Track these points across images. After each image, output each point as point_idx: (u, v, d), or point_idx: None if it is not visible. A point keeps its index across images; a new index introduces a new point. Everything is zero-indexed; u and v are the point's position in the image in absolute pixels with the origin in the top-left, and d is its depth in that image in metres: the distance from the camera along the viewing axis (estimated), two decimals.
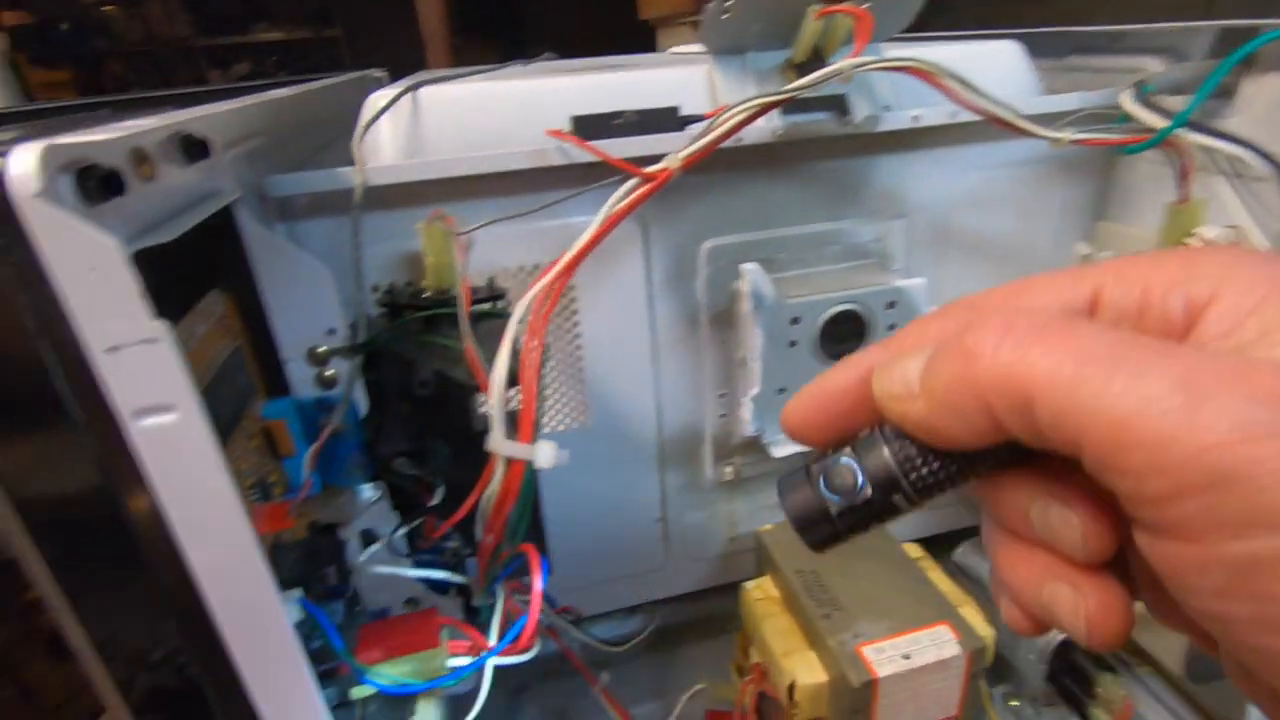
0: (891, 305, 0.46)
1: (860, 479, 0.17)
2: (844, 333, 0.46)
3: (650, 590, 0.57)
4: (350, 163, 0.38)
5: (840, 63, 0.37)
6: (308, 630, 0.31)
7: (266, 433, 0.36)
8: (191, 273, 0.32)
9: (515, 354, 0.33)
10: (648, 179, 0.37)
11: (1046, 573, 0.16)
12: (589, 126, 0.41)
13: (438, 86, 0.43)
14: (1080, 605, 0.15)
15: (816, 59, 0.43)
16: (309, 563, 0.32)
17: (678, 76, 0.46)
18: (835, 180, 0.47)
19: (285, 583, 0.32)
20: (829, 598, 0.45)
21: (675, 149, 0.38)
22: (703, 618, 0.59)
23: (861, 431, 0.18)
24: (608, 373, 0.48)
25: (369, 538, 0.41)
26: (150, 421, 0.21)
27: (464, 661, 0.33)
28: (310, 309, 0.36)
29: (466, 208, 0.40)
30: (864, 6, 0.38)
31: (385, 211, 0.40)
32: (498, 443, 0.31)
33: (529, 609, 0.32)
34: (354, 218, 0.37)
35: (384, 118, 0.42)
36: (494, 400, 0.32)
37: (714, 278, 0.47)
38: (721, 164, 0.44)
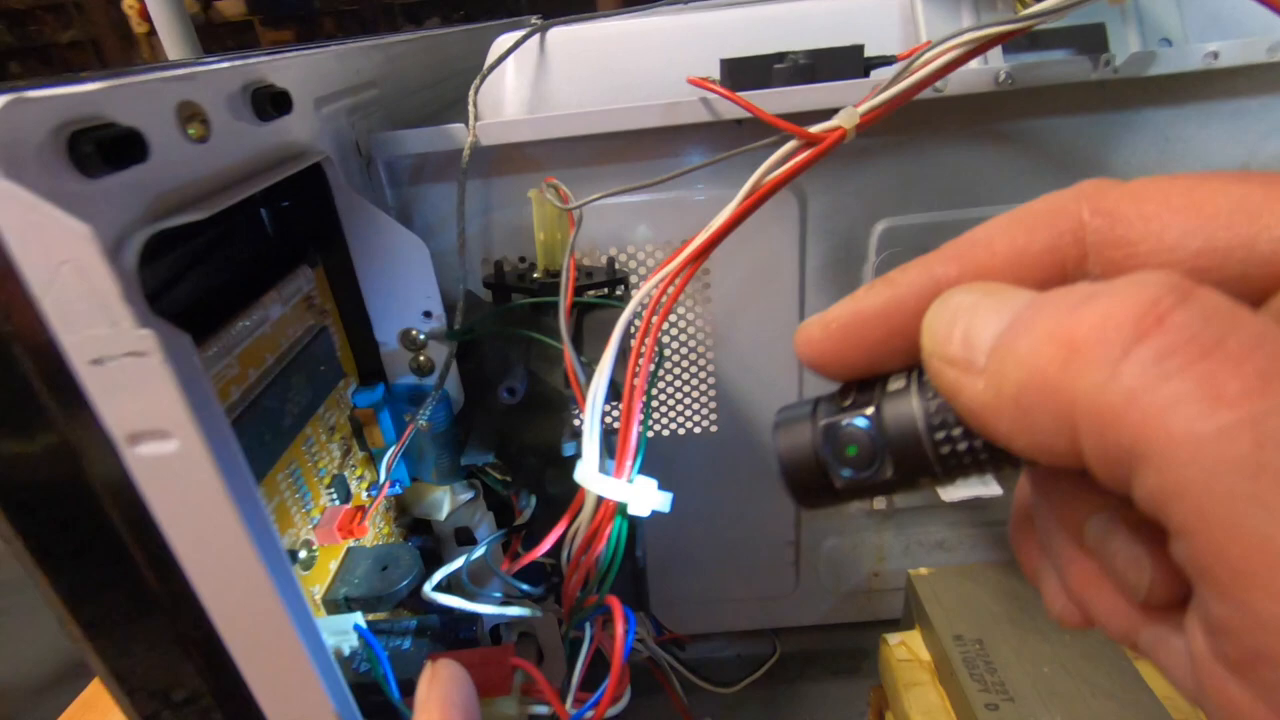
0: None
1: (879, 454, 0.14)
2: None
3: (775, 616, 0.50)
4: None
5: None
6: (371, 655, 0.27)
7: (355, 422, 0.33)
8: (279, 244, 0.29)
9: (624, 359, 0.27)
10: (813, 141, 0.28)
11: (1100, 586, 0.13)
12: (743, 72, 0.32)
13: (566, 27, 0.36)
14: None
15: None
16: (380, 577, 0.29)
17: (866, 4, 0.36)
18: (1072, 144, 0.35)
19: (351, 601, 0.29)
20: (997, 680, 0.36)
21: (853, 101, 0.29)
22: (830, 651, 0.51)
23: (892, 377, 0.14)
24: (742, 373, 0.41)
25: (464, 536, 0.37)
26: (146, 449, 0.17)
27: (538, 711, 0.28)
28: (405, 288, 0.32)
29: (590, 173, 0.34)
30: None
31: (500, 176, 0.35)
32: (587, 475, 0.25)
33: (610, 670, 0.26)
34: (460, 183, 0.32)
35: (507, 66, 0.36)
36: (588, 421, 0.26)
37: (887, 266, 0.37)
38: (913, 121, 0.34)
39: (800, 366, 0.41)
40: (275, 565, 0.19)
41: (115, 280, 0.15)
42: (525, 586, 0.31)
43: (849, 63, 0.32)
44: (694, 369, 0.41)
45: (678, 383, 0.41)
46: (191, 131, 0.21)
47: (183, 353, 0.17)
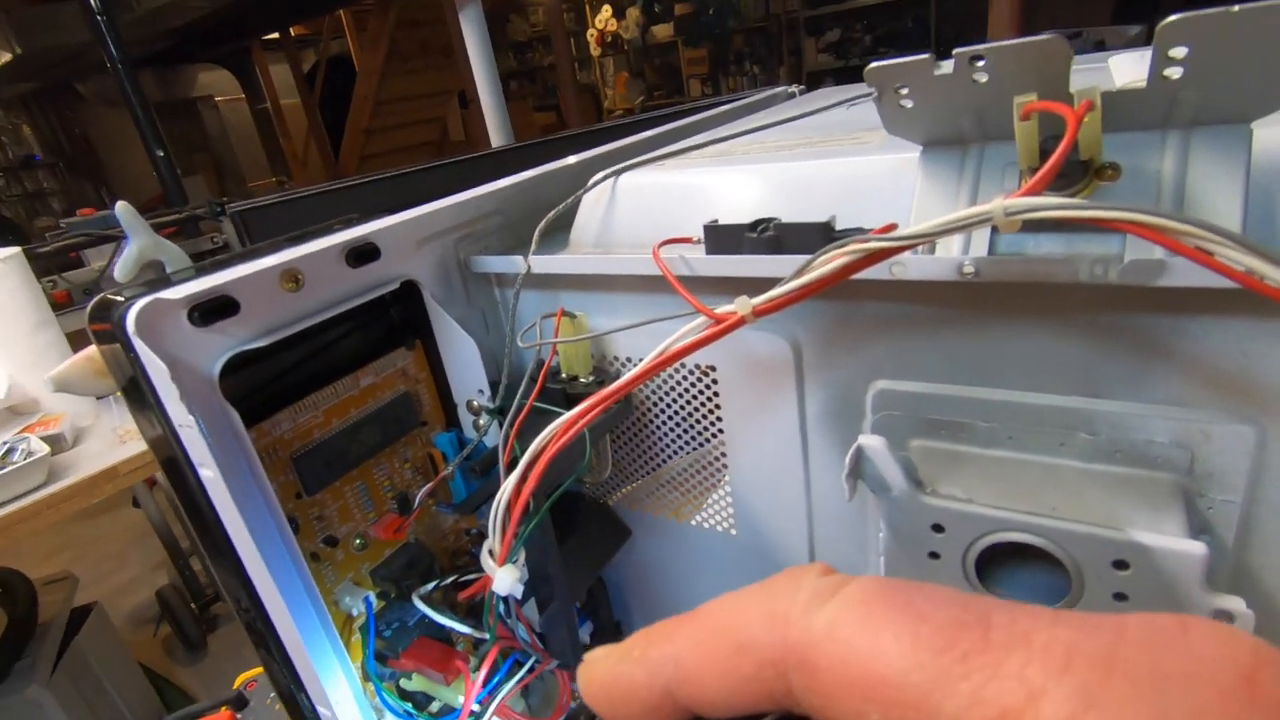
0: (1122, 566, 0.28)
1: None
2: (1029, 576, 0.30)
3: None
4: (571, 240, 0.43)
5: (1054, 200, 0.24)
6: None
7: (432, 457, 0.46)
8: (387, 330, 0.44)
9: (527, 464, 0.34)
10: (717, 321, 0.31)
11: None
12: (721, 238, 0.36)
13: (631, 174, 0.43)
14: None
15: (1082, 170, 0.28)
16: (405, 569, 0.42)
17: (892, 165, 0.35)
18: (1109, 337, 0.30)
19: (381, 577, 0.42)
20: None
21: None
22: None
23: None
24: (753, 484, 0.43)
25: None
26: (205, 472, 0.32)
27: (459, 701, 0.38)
28: (466, 371, 0.44)
29: (607, 300, 0.42)
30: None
31: (551, 290, 0.44)
32: (483, 550, 0.34)
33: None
34: (513, 299, 0.43)
35: (585, 200, 0.45)
36: (493, 509, 0.34)
37: (884, 428, 0.36)
38: (909, 291, 0.33)
39: (806, 497, 0.41)
40: (268, 544, 0.33)
41: (175, 388, 0.30)
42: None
43: (812, 237, 0.33)
44: (708, 460, 0.45)
45: (693, 472, 0.45)
46: (286, 286, 0.35)
47: (223, 424, 0.31)
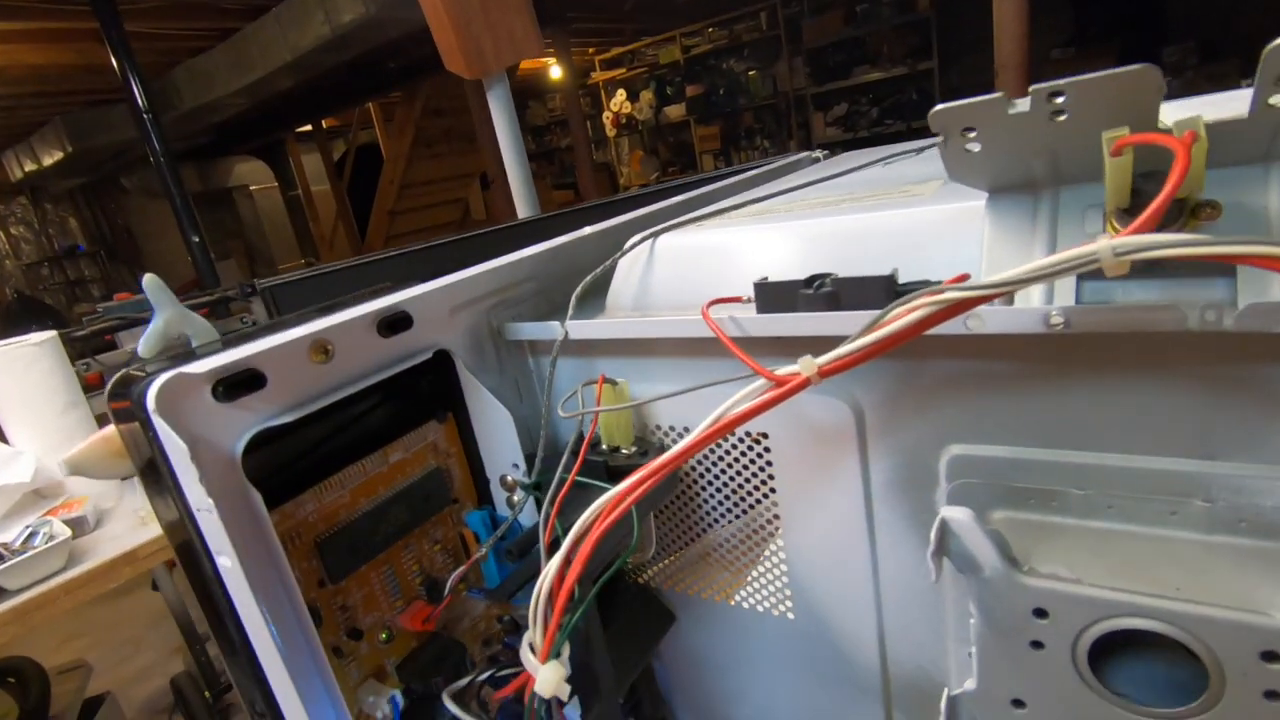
0: (1273, 658, 0.24)
1: None
2: (1154, 670, 0.26)
3: None
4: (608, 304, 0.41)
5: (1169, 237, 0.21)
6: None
7: (463, 537, 0.43)
8: (418, 402, 0.42)
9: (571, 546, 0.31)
10: (778, 384, 0.29)
11: None
12: (773, 295, 0.34)
13: (669, 235, 0.42)
14: None
15: (1178, 210, 0.25)
16: (434, 664, 0.38)
17: (949, 215, 0.33)
18: (1223, 390, 0.27)
19: (409, 673, 0.38)
20: None
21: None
22: None
23: None
24: (812, 562, 0.39)
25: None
26: (221, 560, 0.29)
27: None
28: (501, 445, 0.41)
29: (648, 365, 0.39)
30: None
31: (590, 357, 0.42)
32: (523, 644, 0.31)
33: None
34: (551, 367, 0.41)
35: (621, 264, 0.44)
36: (534, 598, 0.31)
37: (962, 497, 0.33)
38: (983, 346, 0.31)
39: (873, 578, 0.37)
40: (287, 641, 0.29)
41: (195, 470, 0.28)
42: None
43: (874, 292, 0.31)
44: (760, 535, 0.41)
45: (743, 548, 0.42)
46: (315, 358, 0.33)
47: (244, 507, 0.29)
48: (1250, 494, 0.27)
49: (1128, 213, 0.25)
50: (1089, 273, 0.24)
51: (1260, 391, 0.26)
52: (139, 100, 3.04)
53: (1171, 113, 0.44)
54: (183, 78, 3.98)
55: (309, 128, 6.28)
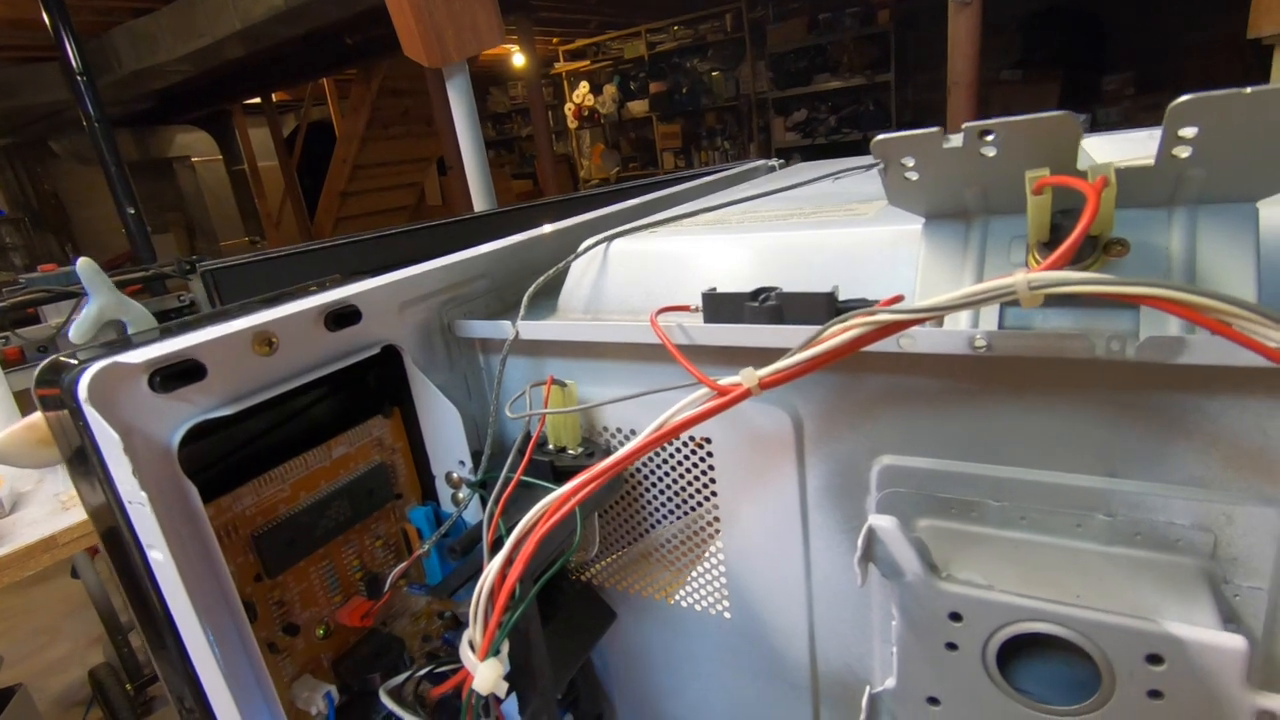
0: (1156, 661, 0.26)
1: None
2: (1054, 669, 0.28)
3: None
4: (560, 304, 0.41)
5: (1071, 275, 0.23)
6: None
7: (405, 533, 0.43)
8: (363, 397, 0.41)
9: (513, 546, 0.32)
10: (720, 393, 0.30)
11: None
12: (720, 306, 0.35)
13: (623, 241, 0.43)
14: None
15: (1091, 246, 0.27)
16: (372, 660, 0.38)
17: (889, 237, 0.35)
18: (1125, 414, 0.29)
19: (345, 669, 0.38)
20: None
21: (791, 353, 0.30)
22: None
23: None
24: (749, 563, 0.41)
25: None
26: (153, 554, 0.29)
27: None
28: (448, 441, 0.41)
29: (598, 368, 0.40)
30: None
31: (539, 357, 0.43)
32: (462, 640, 0.31)
33: None
34: (500, 366, 0.41)
35: (575, 266, 0.44)
36: (475, 596, 0.31)
37: (890, 505, 0.35)
38: (915, 364, 0.32)
39: (806, 579, 0.39)
40: (219, 636, 0.29)
41: (130, 459, 0.27)
42: None
43: (815, 308, 0.32)
44: (700, 535, 0.42)
45: (684, 548, 0.43)
46: (259, 350, 0.33)
47: (179, 500, 0.28)
48: (1146, 510, 0.29)
49: (1047, 245, 0.27)
50: (1009, 301, 0.25)
51: (1157, 416, 0.28)
52: (73, 61, 2.87)
53: (1099, 147, 0.47)
54: (122, 40, 3.77)
55: (258, 100, 6.03)
